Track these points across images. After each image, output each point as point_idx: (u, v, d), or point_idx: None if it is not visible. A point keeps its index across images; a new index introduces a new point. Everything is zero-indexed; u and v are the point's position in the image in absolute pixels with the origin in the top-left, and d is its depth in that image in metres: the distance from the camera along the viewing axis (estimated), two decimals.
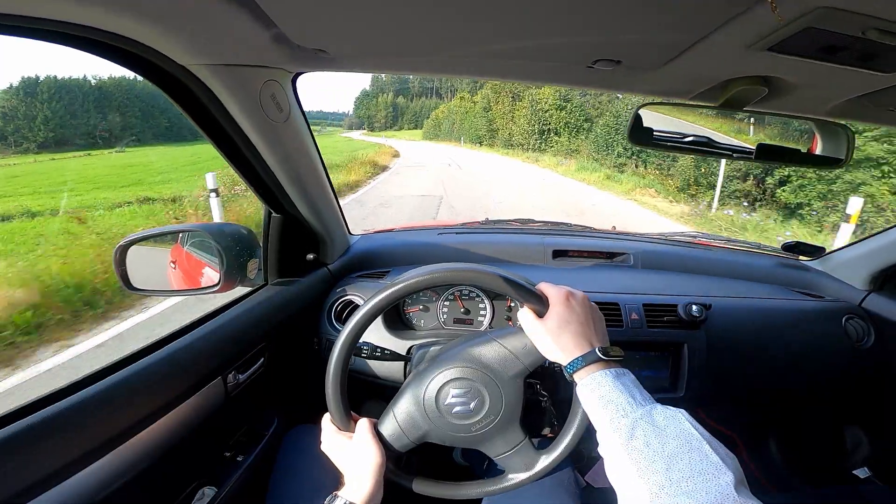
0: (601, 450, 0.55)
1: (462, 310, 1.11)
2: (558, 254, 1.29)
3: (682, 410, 0.52)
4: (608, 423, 0.53)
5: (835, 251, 1.31)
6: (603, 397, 0.55)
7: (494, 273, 0.68)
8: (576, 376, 0.59)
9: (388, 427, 0.75)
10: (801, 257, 1.36)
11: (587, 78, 0.68)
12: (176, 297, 1.06)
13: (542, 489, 0.79)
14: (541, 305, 0.65)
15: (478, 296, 1.12)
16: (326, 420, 0.74)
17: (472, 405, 0.72)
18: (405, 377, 0.91)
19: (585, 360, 0.58)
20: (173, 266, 1.22)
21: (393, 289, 0.68)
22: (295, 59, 0.61)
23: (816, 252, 1.32)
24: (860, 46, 0.45)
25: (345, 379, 0.71)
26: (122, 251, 0.90)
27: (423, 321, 1.13)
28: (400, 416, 0.75)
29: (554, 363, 0.65)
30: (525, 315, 0.66)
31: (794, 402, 1.40)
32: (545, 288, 0.66)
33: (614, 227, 1.58)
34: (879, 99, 0.60)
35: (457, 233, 1.36)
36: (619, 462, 0.51)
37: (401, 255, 1.25)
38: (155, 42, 0.51)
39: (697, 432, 0.48)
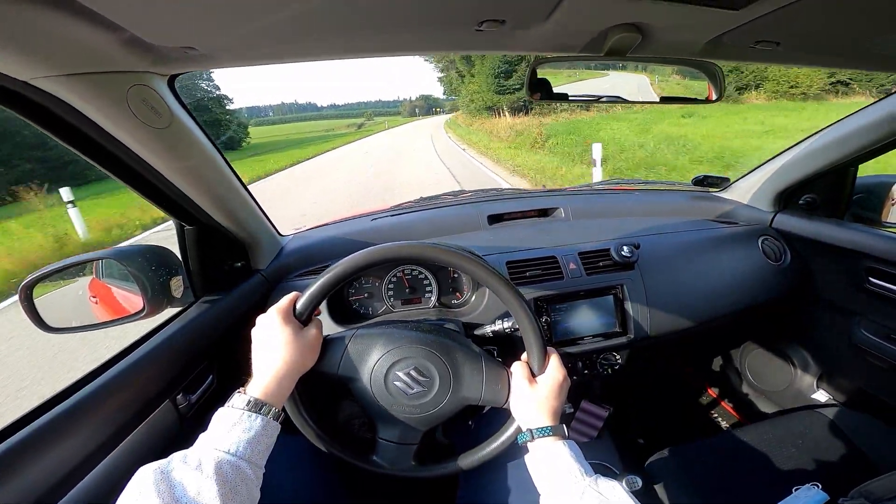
0: None
1: (408, 289, 1.12)
2: (494, 219, 1.32)
3: (619, 482, 0.61)
4: (560, 485, 0.61)
5: (737, 180, 1.42)
6: (560, 464, 0.63)
7: (524, 308, 0.72)
8: (537, 442, 0.67)
9: (335, 347, 0.75)
10: (710, 189, 1.47)
11: (478, 41, 0.68)
12: (102, 329, 0.99)
13: (525, 478, 0.80)
14: (539, 368, 0.72)
15: (420, 273, 1.13)
16: (287, 299, 0.70)
17: (413, 391, 0.73)
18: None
19: (553, 432, 0.67)
20: (95, 300, 1.14)
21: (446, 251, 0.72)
22: (161, 60, 0.57)
23: (722, 182, 1.43)
24: None
25: (337, 286, 0.71)
26: (27, 291, 0.83)
27: (370, 308, 1.12)
28: (353, 347, 0.75)
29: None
30: (519, 370, 0.73)
31: (737, 328, 1.52)
32: (553, 360, 0.73)
33: (544, 186, 1.63)
34: (738, 37, 0.65)
35: (391, 215, 1.35)
36: None
37: (337, 247, 1.23)
38: None
39: (631, 499, 0.58)
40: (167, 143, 0.68)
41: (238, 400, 0.59)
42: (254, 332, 0.68)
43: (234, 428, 0.55)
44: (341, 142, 32.44)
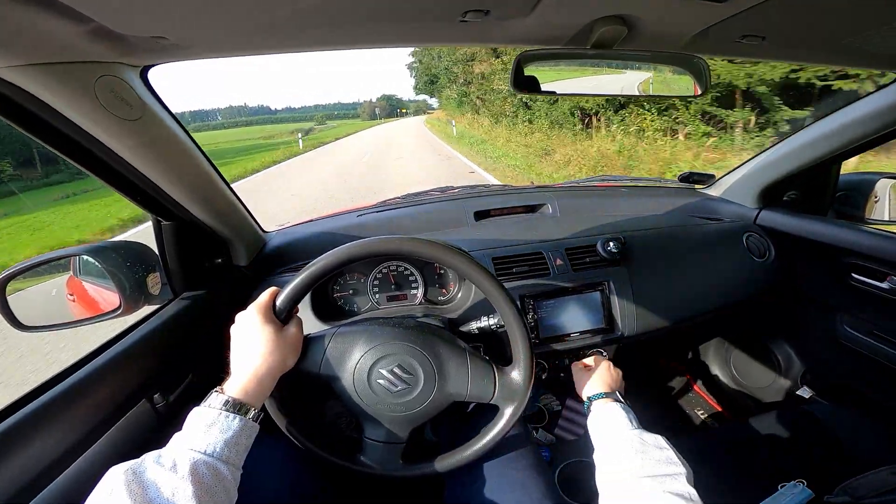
0: (597, 453, 0.70)
1: (393, 285, 1.11)
2: (481, 215, 1.31)
3: (661, 436, 0.68)
4: (611, 433, 0.71)
5: (722, 177, 1.43)
6: (611, 417, 0.74)
7: (509, 303, 0.73)
8: (595, 404, 0.79)
9: (316, 346, 0.73)
10: (695, 185, 1.48)
11: (461, 33, 0.67)
12: (77, 327, 0.97)
13: (513, 475, 0.80)
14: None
15: (406, 269, 1.11)
16: (267, 295, 0.68)
17: (397, 388, 0.72)
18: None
19: (606, 397, 0.80)
20: (72, 297, 1.12)
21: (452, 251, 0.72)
22: (131, 50, 0.54)
23: (708, 179, 1.44)
24: None
25: (317, 283, 0.70)
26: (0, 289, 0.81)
27: (355, 305, 1.11)
28: (334, 346, 0.73)
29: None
30: (577, 366, 0.95)
31: (722, 324, 1.52)
32: (599, 360, 0.94)
33: (532, 182, 1.63)
34: (724, 31, 0.65)
35: (377, 211, 1.34)
36: (617, 456, 0.66)
37: (321, 243, 1.21)
38: None
39: (670, 447, 0.65)
40: (140, 135, 0.65)
41: (215, 399, 0.57)
42: (233, 329, 0.66)
43: (210, 428, 0.54)
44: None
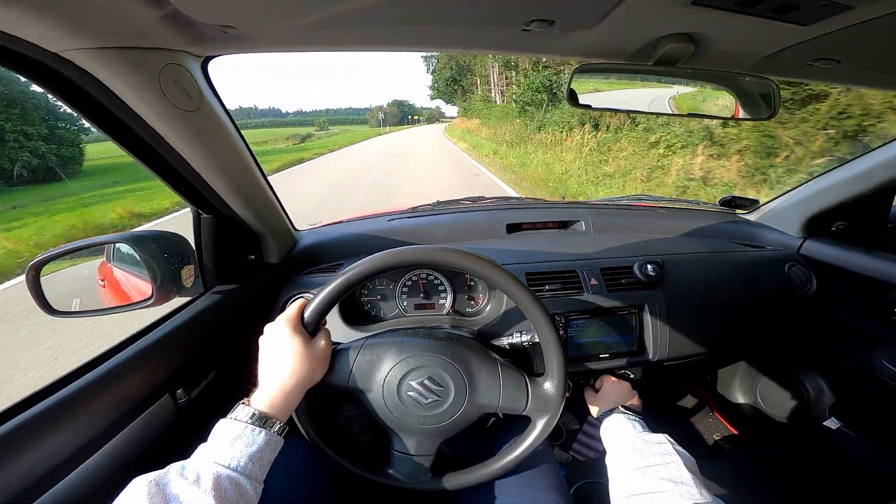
0: (607, 459, 0.74)
1: (422, 293, 1.09)
2: (512, 228, 1.29)
3: (666, 435, 0.72)
4: (620, 439, 0.76)
5: (767, 202, 1.39)
6: (621, 425, 0.79)
7: (547, 320, 0.73)
8: (605, 420, 0.85)
9: (345, 359, 0.72)
10: (737, 211, 1.44)
11: (523, 42, 0.66)
12: (107, 315, 0.97)
13: (531, 494, 0.77)
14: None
15: (436, 278, 1.10)
16: (295, 307, 0.68)
17: (428, 400, 0.70)
18: None
19: (612, 412, 0.86)
20: (102, 283, 1.12)
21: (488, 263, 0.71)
22: (198, 39, 0.54)
23: (751, 204, 1.40)
24: None
25: (346, 294, 0.69)
26: (35, 272, 0.81)
27: (382, 311, 1.09)
28: (362, 358, 0.72)
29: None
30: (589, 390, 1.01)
31: (752, 352, 1.48)
32: (606, 380, 1.00)
33: (563, 197, 1.60)
34: (799, 53, 0.62)
35: (408, 217, 1.33)
36: (620, 458, 0.70)
37: (352, 245, 1.21)
38: (10, 27, 0.43)
39: (670, 441, 0.69)
40: (194, 126, 0.65)
41: (242, 412, 0.57)
42: (261, 340, 0.66)
43: (236, 441, 0.54)
44: None
